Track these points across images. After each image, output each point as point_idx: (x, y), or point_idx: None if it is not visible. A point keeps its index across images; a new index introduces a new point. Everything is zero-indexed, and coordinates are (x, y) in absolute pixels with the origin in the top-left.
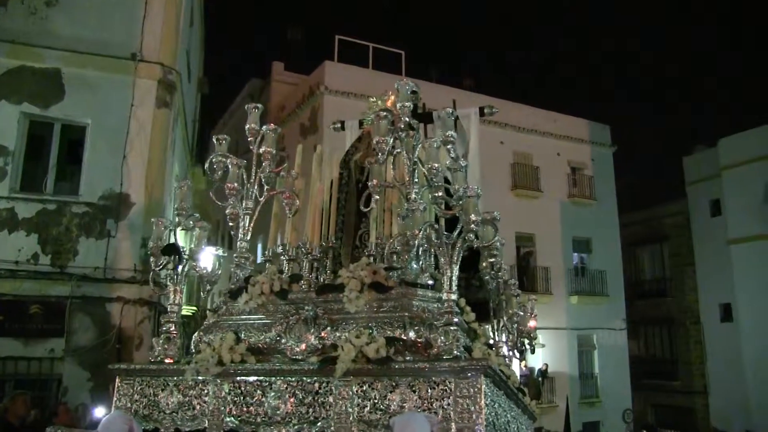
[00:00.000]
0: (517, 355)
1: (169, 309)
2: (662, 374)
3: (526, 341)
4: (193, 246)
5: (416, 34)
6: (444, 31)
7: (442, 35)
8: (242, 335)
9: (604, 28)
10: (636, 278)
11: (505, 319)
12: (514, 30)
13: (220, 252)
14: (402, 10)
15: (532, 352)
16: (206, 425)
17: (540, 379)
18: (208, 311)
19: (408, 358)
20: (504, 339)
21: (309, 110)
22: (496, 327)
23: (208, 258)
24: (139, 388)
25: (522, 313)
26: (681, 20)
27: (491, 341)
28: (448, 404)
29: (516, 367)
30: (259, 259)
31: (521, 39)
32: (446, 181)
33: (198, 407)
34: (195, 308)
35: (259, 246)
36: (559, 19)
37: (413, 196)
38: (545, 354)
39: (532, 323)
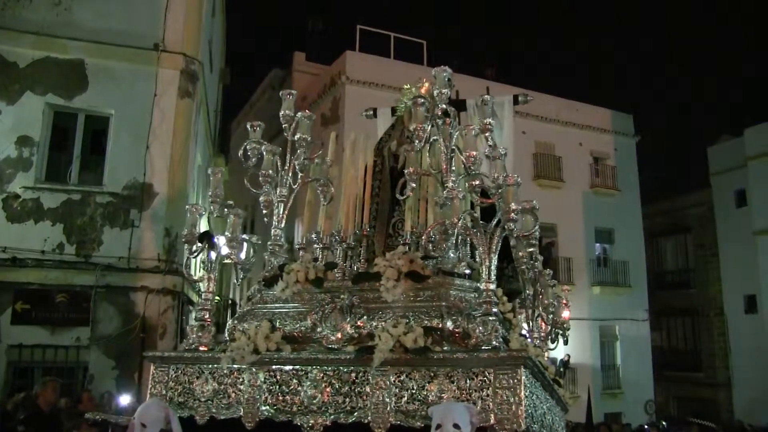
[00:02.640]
0: (551, 345)
1: (203, 297)
2: (685, 366)
3: (559, 332)
4: (228, 233)
5: (438, 23)
6: (465, 21)
7: (464, 25)
8: (277, 324)
9: (627, 18)
10: (659, 269)
11: (540, 309)
12: (538, 19)
13: (255, 239)
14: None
15: (566, 342)
16: (241, 414)
17: (562, 369)
18: (231, 300)
19: (446, 348)
20: (538, 329)
21: (330, 100)
22: (531, 317)
23: (241, 245)
24: (173, 376)
25: (557, 304)
26: (706, 10)
27: (525, 332)
28: (487, 395)
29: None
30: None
31: (544, 28)
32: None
33: (233, 395)
34: (219, 297)
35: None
36: (583, 8)
37: (450, 184)
38: (566, 345)
39: (566, 314)
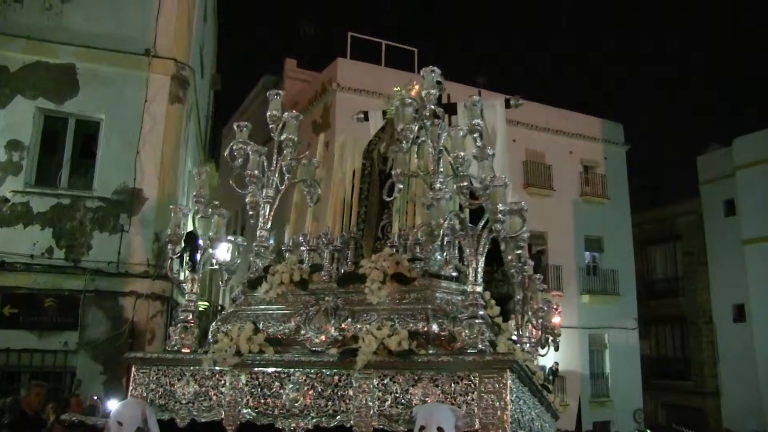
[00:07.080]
0: (541, 351)
1: (186, 298)
2: (674, 374)
3: (550, 338)
4: (212, 234)
5: (429, 31)
6: (456, 29)
7: (455, 33)
8: (261, 325)
9: (620, 27)
10: (648, 277)
11: (530, 314)
12: (530, 28)
13: (240, 240)
14: (415, 8)
15: (556, 349)
16: (222, 417)
17: (551, 377)
18: (220, 306)
19: (431, 351)
20: (528, 335)
21: (321, 107)
22: (520, 322)
23: (226, 247)
24: (155, 378)
25: (546, 309)
26: (698, 20)
27: (514, 336)
28: (473, 399)
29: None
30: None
31: (537, 36)
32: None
33: (214, 398)
34: (207, 303)
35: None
36: (575, 17)
37: (438, 185)
38: (556, 352)
39: (556, 320)
